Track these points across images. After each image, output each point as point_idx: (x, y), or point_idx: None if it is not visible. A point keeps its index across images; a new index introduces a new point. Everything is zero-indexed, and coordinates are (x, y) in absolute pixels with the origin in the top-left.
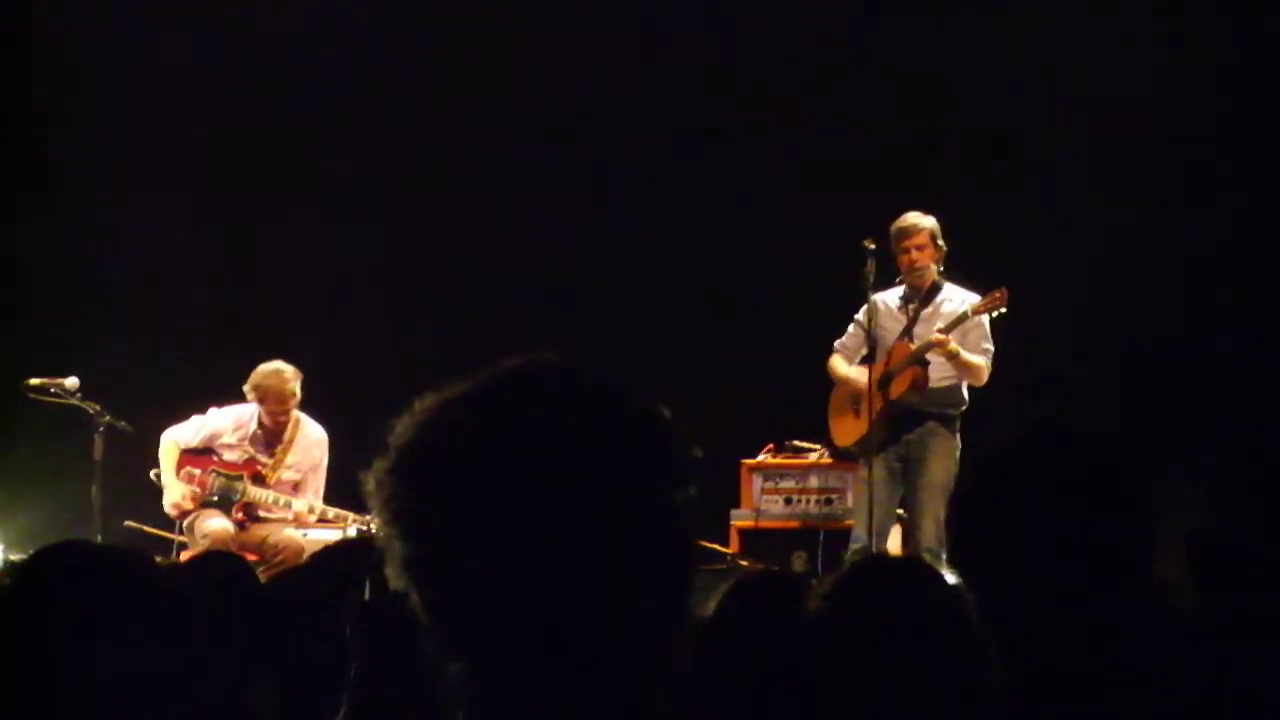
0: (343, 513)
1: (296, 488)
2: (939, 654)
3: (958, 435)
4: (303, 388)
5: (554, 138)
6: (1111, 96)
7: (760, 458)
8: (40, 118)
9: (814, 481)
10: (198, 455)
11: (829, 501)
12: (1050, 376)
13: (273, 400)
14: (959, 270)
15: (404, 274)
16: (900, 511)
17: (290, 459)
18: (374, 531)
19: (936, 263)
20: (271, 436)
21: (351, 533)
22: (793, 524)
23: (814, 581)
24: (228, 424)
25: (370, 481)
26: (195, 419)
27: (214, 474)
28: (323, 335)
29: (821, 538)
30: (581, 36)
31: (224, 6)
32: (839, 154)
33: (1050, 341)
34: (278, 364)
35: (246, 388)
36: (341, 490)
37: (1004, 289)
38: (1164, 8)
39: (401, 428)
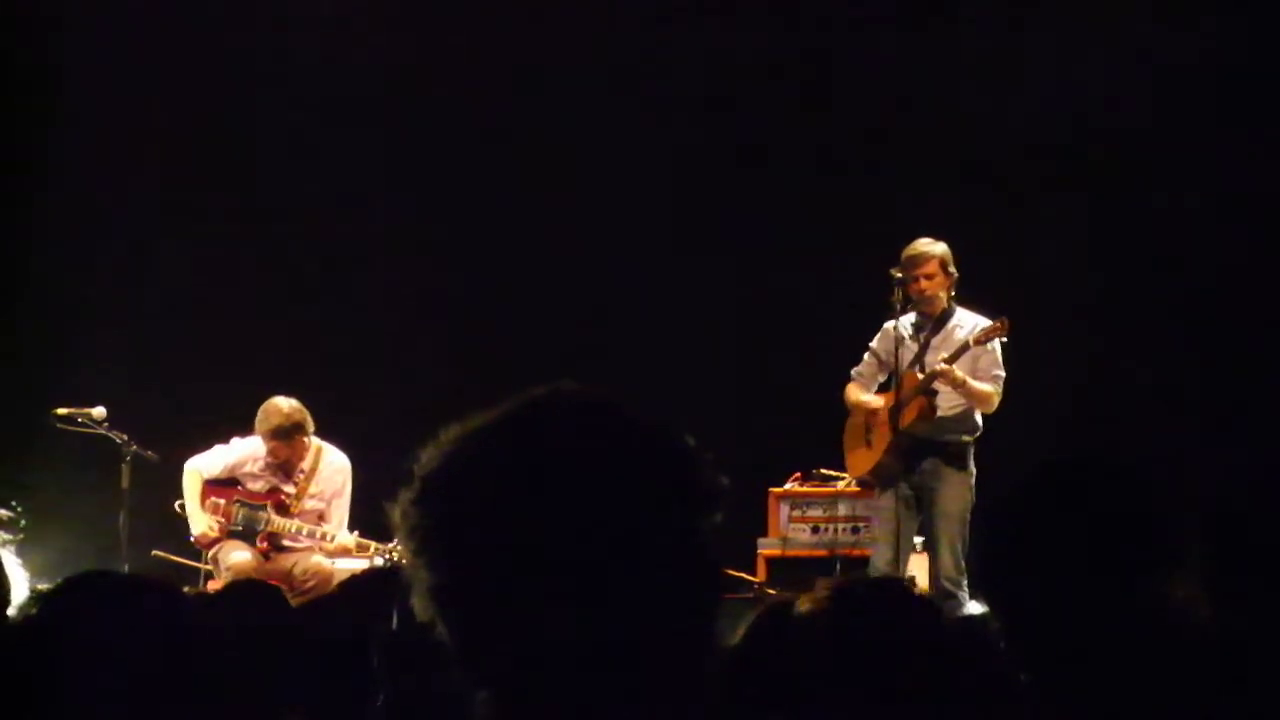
0: (365, 542)
1: (321, 517)
2: (964, 681)
3: (971, 463)
4: (303, 419)
5: (577, 166)
6: (1122, 125)
7: (788, 486)
8: (56, 141)
9: (841, 509)
10: (222, 485)
11: (856, 529)
12: (1065, 402)
13: (266, 439)
14: (973, 296)
15: (429, 304)
16: (919, 540)
17: (314, 488)
18: (400, 561)
19: (947, 290)
20: (290, 466)
21: (378, 562)
22: (820, 552)
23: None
24: (249, 453)
25: (396, 512)
26: (218, 448)
27: (238, 504)
28: (349, 364)
29: (838, 566)
30: (603, 69)
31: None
32: (866, 183)
33: (1065, 366)
34: (267, 403)
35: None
36: (367, 520)
37: (1004, 319)
38: (1175, 39)
39: (426, 457)
